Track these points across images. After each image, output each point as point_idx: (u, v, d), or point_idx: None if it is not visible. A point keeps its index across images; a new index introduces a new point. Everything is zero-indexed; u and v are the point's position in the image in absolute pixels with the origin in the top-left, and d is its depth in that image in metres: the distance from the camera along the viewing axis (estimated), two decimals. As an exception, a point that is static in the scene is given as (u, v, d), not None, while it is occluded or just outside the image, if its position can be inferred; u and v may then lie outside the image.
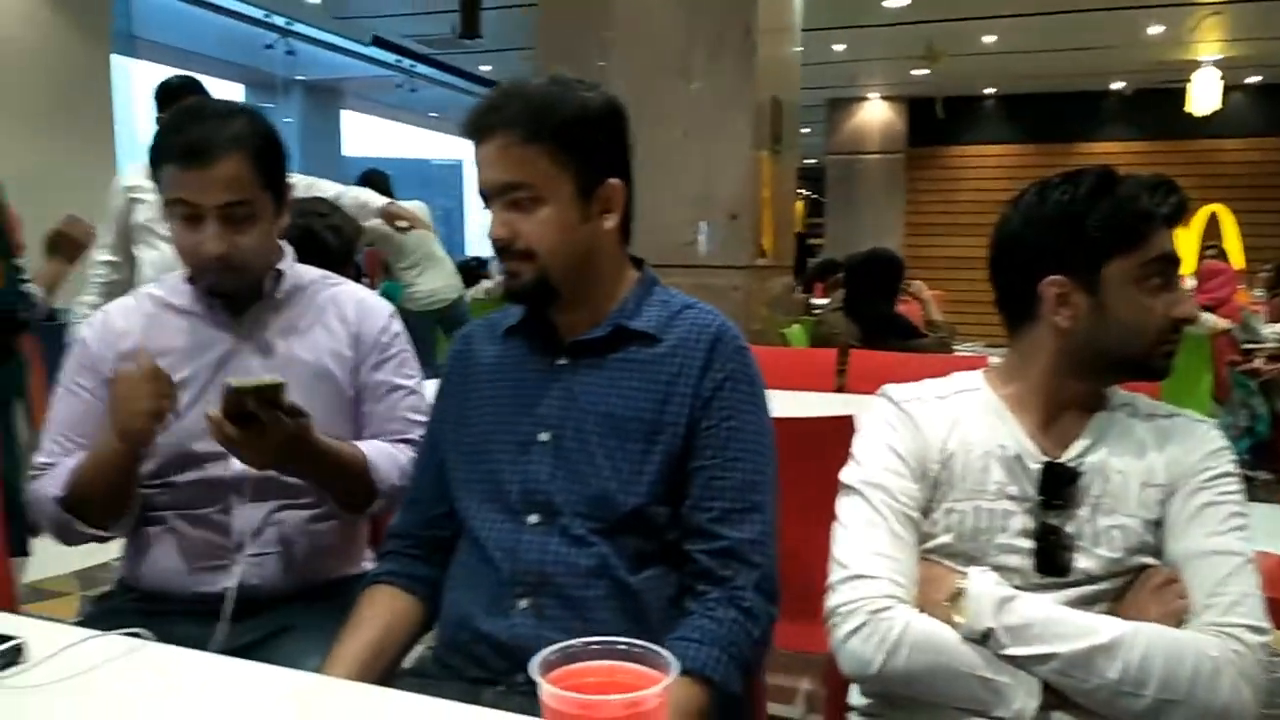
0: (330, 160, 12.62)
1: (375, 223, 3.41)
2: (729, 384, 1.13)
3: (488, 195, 1.11)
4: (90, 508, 1.30)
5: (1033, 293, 1.11)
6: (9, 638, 0.92)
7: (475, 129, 1.10)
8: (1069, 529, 1.08)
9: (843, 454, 1.17)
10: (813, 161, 12.68)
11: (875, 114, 12.12)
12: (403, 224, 3.51)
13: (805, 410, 1.67)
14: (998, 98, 11.71)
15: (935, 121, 11.49)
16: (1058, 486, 1.09)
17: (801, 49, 4.83)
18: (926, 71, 9.80)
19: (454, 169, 19.12)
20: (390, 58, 10.61)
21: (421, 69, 11.21)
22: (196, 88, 2.91)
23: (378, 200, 3.38)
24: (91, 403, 1.36)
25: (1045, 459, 1.11)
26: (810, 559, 1.17)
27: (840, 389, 2.91)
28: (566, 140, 1.09)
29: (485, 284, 7.28)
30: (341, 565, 1.44)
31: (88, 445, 1.33)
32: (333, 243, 2.08)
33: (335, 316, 1.43)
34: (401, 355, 1.47)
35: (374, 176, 4.68)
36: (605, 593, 1.08)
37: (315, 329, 1.42)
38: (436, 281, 4.87)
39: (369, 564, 1.44)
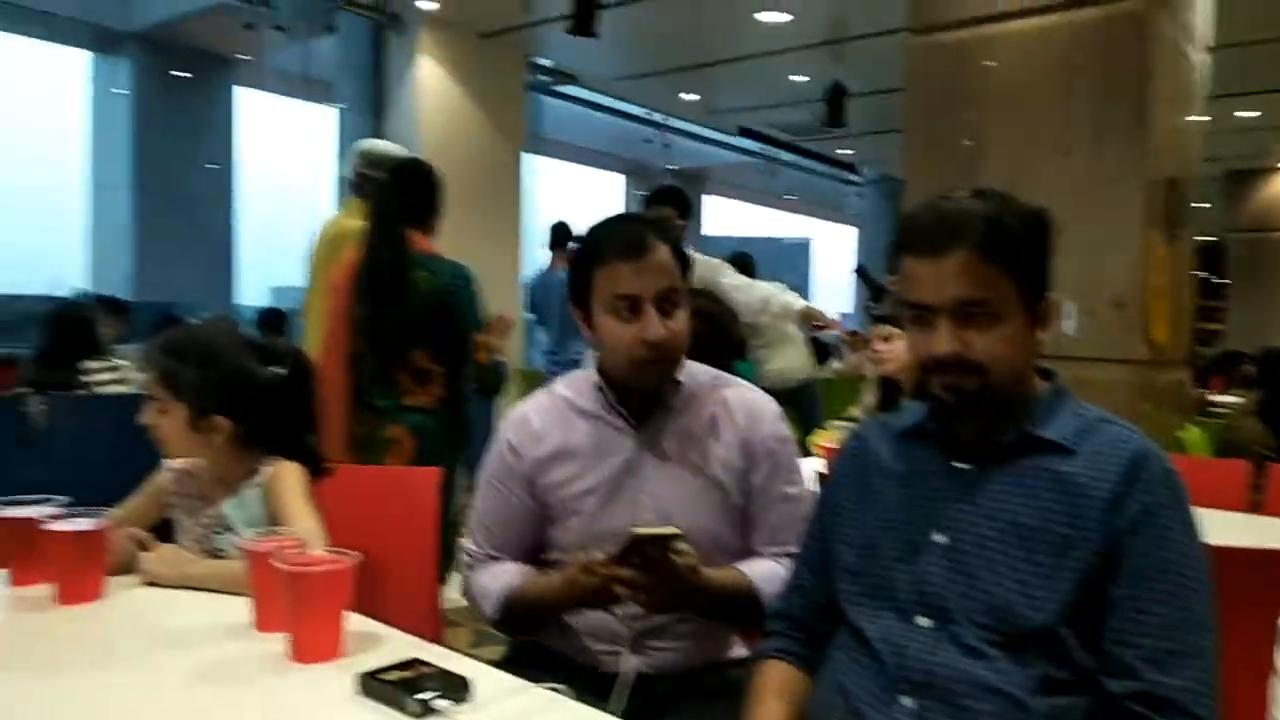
0: (691, 240, 13.46)
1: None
2: (1160, 510, 1.04)
3: (931, 309, 1.11)
4: (524, 622, 1.48)
5: None
6: (460, 676, 1.08)
7: (930, 245, 1.11)
8: None
9: (1273, 595, 1.02)
10: (1209, 239, 11.26)
11: (1290, 186, 10.56)
12: (819, 324, 3.62)
13: (1211, 533, 1.47)
14: None
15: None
16: None
17: (1204, 119, 4.36)
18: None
19: (802, 247, 19.40)
20: (754, 145, 11.14)
21: (783, 154, 11.64)
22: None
23: (799, 303, 3.51)
24: (513, 505, 1.49)
25: None
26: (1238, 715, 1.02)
27: (1256, 509, 2.52)
28: (1020, 258, 1.10)
29: (835, 364, 7.27)
30: (722, 650, 1.50)
31: (513, 542, 1.49)
32: (735, 336, 2.21)
33: (727, 423, 1.47)
34: (790, 460, 1.50)
35: (741, 259, 4.89)
36: (999, 709, 1.03)
37: (708, 438, 1.46)
38: (789, 360, 4.95)
39: (741, 649, 1.50)
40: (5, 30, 8.68)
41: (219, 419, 1.58)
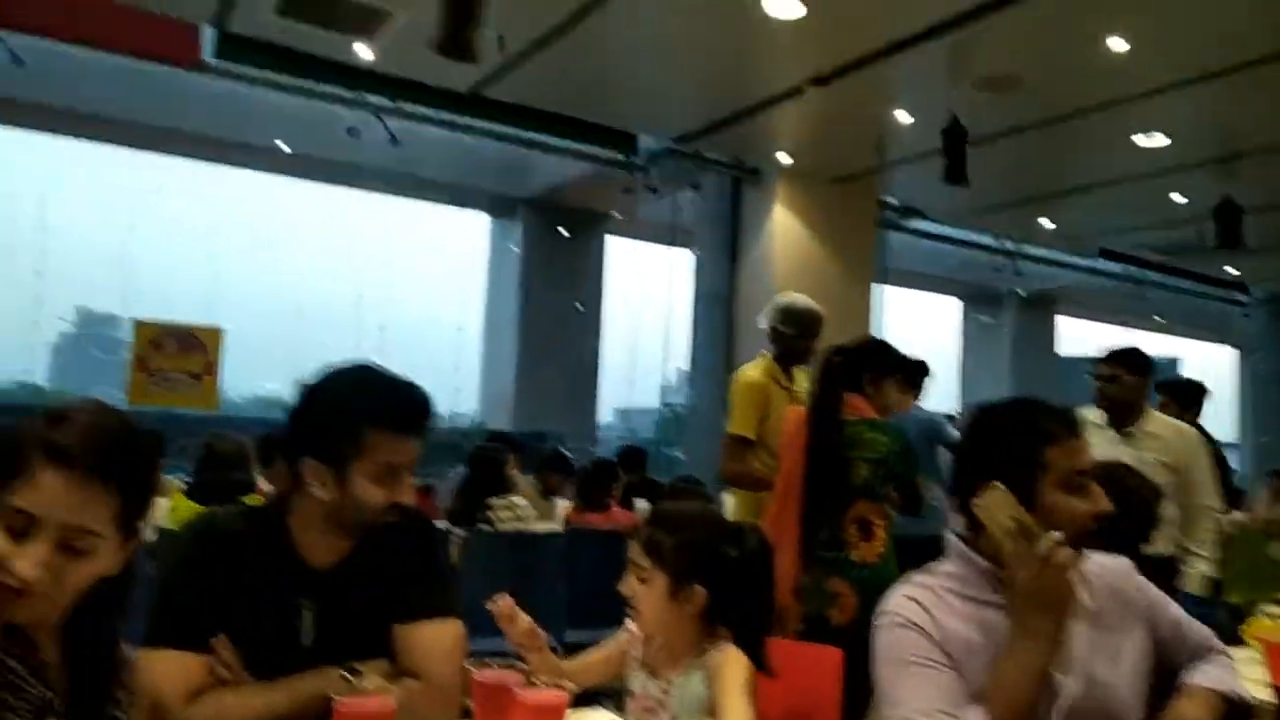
0: (1043, 361, 12.78)
1: None
2: None
3: None
4: None
5: None
6: None
7: None
8: None
9: None
10: None
11: None
12: None
13: None
14: None
15: None
16: None
17: None
18: None
19: (1169, 366, 17.51)
20: (1116, 267, 10.43)
21: (1150, 274, 10.78)
22: None
23: None
24: (946, 675, 1.41)
25: None
26: None
27: None
28: None
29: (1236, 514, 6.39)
30: None
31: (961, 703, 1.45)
32: (1153, 516, 2.12)
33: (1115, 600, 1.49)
34: (1156, 595, 1.52)
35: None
36: None
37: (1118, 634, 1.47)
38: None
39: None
40: (420, 198, 10.50)
41: (697, 589, 1.67)
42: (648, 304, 10.50)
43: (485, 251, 11.41)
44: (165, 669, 1.41)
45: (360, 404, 1.50)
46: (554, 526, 4.87)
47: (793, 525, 2.75)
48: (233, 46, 5.42)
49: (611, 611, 1.86)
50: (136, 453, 1.10)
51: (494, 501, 4.35)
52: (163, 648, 1.43)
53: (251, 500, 3.77)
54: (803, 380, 3.44)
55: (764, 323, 3.41)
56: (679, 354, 9.16)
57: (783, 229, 7.41)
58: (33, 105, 6.82)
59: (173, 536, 1.54)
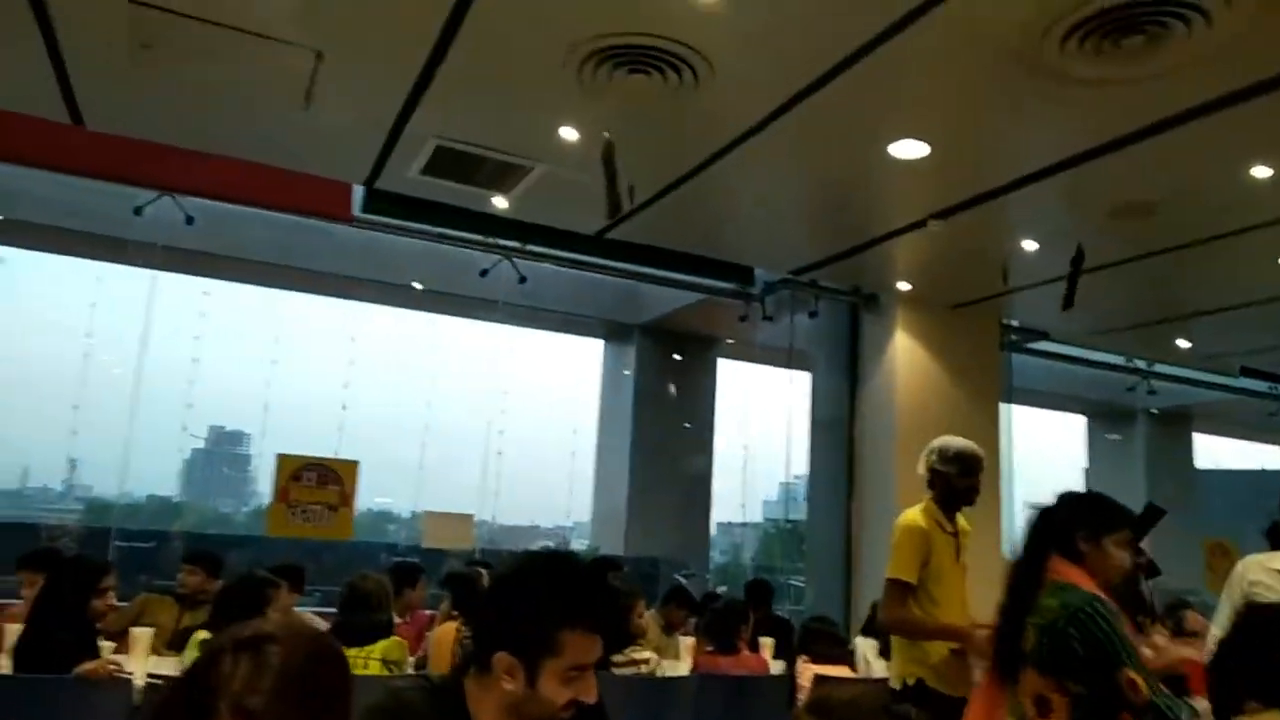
0: (1180, 477, 12.16)
1: None
2: None
3: None
4: None
5: None
6: None
7: None
8: None
9: None
10: None
11: None
12: None
13: None
14: None
15: None
16: None
17: None
18: None
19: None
20: (1259, 385, 9.92)
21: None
22: None
23: None
24: None
25: None
26: None
27: None
28: None
29: None
30: None
31: None
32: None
33: None
34: None
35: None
36: None
37: None
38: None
39: None
40: (539, 327, 10.85)
41: None
42: (759, 423, 10.46)
43: (598, 376, 11.63)
44: None
45: (558, 604, 1.54)
46: (681, 669, 4.77)
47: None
48: (379, 201, 5.81)
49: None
50: None
51: (616, 659, 4.24)
52: None
53: (386, 646, 3.82)
54: (964, 523, 3.41)
55: (921, 468, 3.39)
56: (783, 470, 9.06)
57: (904, 353, 7.33)
58: (196, 253, 7.42)
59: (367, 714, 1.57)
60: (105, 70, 4.33)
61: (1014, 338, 8.34)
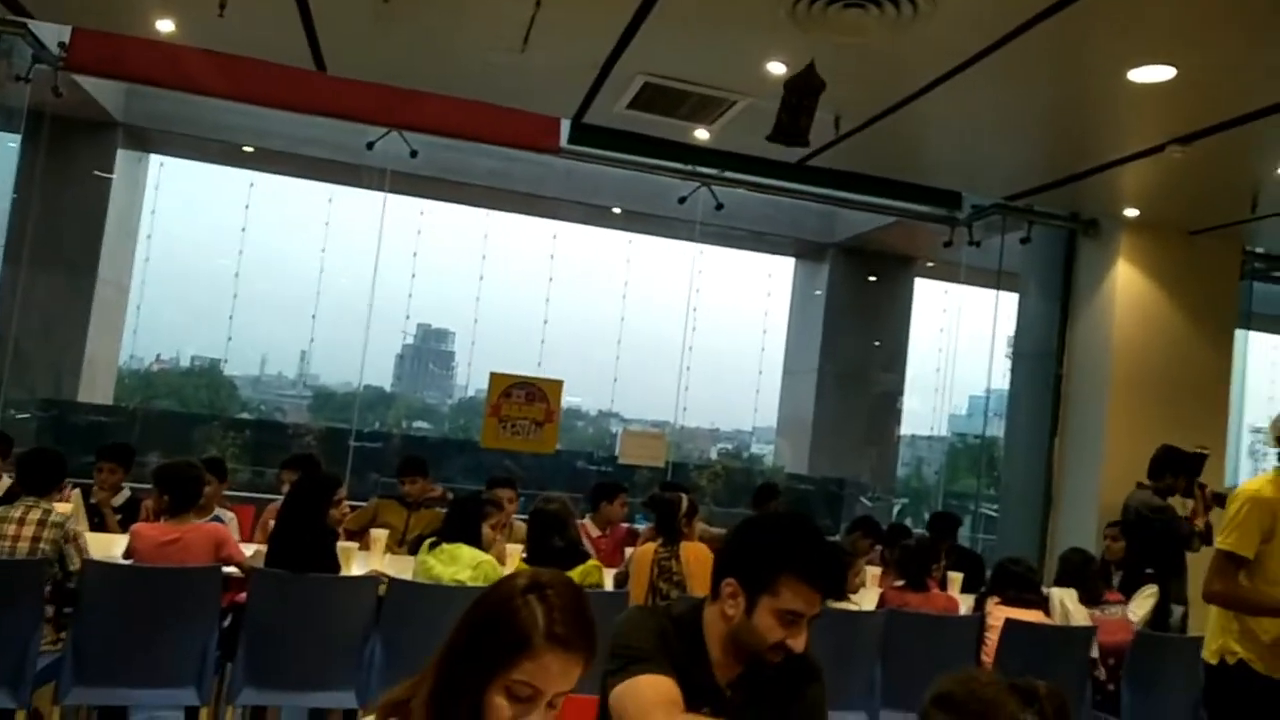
0: None
1: None
2: None
3: None
4: None
5: None
6: None
7: None
8: None
9: None
10: None
11: None
12: None
13: None
14: None
15: None
16: None
17: None
18: None
19: None
20: None
21: None
22: None
23: None
24: None
25: None
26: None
27: None
28: None
29: None
30: None
31: None
32: None
33: None
34: None
35: None
36: None
37: None
38: None
39: None
40: (734, 246, 10.85)
41: None
42: (955, 343, 10.13)
43: (788, 293, 11.56)
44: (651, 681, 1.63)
45: (785, 550, 1.70)
46: (867, 599, 4.81)
47: None
48: (585, 133, 5.96)
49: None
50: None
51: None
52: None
53: (585, 569, 4.01)
54: None
55: (1270, 440, 3.15)
56: (976, 388, 8.76)
57: (1125, 281, 6.86)
58: (417, 177, 7.98)
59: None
60: (348, 24, 4.74)
61: (1258, 265, 7.62)
